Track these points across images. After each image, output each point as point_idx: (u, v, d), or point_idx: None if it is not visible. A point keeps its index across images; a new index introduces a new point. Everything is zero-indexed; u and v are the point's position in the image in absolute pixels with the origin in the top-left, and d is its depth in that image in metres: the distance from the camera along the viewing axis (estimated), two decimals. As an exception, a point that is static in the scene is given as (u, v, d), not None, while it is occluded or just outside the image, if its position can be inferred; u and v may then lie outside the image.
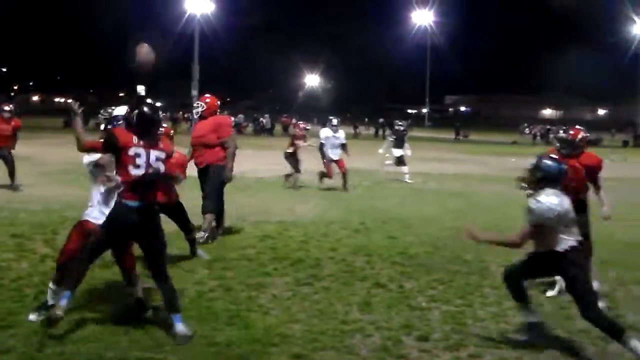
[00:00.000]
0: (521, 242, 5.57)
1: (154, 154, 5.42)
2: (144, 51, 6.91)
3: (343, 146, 16.17)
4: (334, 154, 15.96)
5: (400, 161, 18.89)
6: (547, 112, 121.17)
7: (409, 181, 18.32)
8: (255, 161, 22.45)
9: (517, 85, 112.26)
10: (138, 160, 5.36)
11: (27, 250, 8.28)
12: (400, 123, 19.97)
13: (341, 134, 16.23)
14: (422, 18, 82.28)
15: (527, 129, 71.85)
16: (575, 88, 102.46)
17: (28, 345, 5.07)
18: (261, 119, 53.79)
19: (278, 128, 54.52)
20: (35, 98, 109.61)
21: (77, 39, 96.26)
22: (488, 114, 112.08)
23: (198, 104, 9.54)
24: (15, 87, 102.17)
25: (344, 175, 15.90)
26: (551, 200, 5.37)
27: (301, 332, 5.70)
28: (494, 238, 6.13)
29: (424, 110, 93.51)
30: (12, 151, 13.51)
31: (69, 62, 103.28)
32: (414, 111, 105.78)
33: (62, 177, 15.98)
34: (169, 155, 5.63)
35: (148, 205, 5.43)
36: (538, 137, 59.61)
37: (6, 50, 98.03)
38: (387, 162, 19.81)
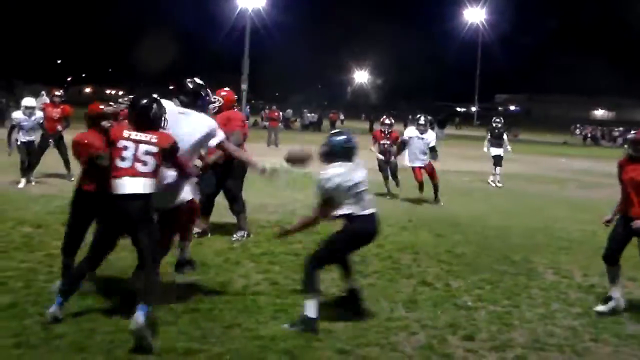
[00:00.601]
0: (315, 218, 5.82)
1: (143, 147, 5.40)
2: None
3: (432, 150, 13.66)
4: (418, 159, 13.52)
5: (496, 161, 17.60)
6: (599, 113, 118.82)
7: (498, 185, 17.37)
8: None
9: (568, 85, 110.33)
10: (124, 153, 5.40)
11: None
12: (497, 120, 18.37)
13: (430, 136, 13.66)
14: (474, 15, 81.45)
15: (577, 130, 70.74)
16: (629, 88, 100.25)
17: (78, 333, 5.18)
18: (307, 113, 53.87)
19: (326, 123, 54.51)
20: (88, 90, 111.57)
21: (129, 32, 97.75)
22: (538, 113, 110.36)
23: (215, 98, 8.89)
24: (69, 79, 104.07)
25: (435, 185, 13.55)
26: (335, 172, 5.69)
27: (346, 328, 5.69)
28: (297, 224, 6.18)
29: (473, 109, 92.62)
30: (64, 140, 13.70)
31: (120, 55, 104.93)
32: (462, 109, 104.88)
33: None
34: (166, 150, 5.51)
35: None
36: (589, 138, 58.60)
37: (61, 43, 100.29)
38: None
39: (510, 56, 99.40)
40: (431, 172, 13.52)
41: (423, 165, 13.47)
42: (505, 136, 17.98)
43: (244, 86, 53.73)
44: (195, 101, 6.26)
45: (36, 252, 7.62)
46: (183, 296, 6.27)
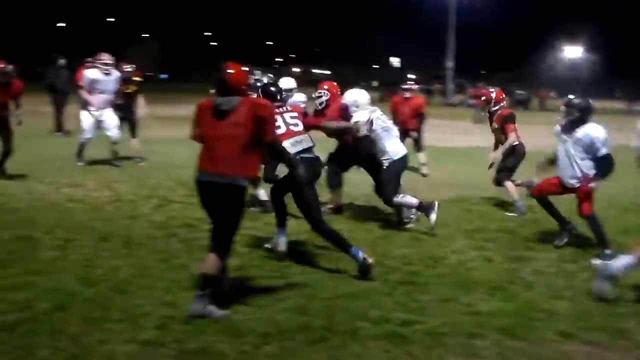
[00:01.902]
0: None
1: (287, 115, 6.55)
2: None
3: (602, 160, 7.01)
4: (563, 171, 7.28)
5: None
6: None
7: None
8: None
9: None
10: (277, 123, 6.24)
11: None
12: None
13: (592, 131, 7.03)
14: None
15: None
16: None
17: (300, 297, 5.41)
18: (516, 91, 51.94)
19: (535, 102, 52.29)
20: (296, 69, 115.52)
21: (334, 12, 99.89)
22: None
23: (321, 92, 8.87)
24: (280, 60, 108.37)
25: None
26: None
27: (567, 310, 5.40)
28: None
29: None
30: None
31: (326, 35, 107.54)
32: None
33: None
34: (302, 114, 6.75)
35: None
36: None
37: (272, 25, 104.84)
38: None
39: None
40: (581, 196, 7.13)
41: (573, 186, 7.19)
42: None
43: (450, 63, 52.93)
44: None
45: (257, 220, 8.00)
46: (396, 268, 6.31)
